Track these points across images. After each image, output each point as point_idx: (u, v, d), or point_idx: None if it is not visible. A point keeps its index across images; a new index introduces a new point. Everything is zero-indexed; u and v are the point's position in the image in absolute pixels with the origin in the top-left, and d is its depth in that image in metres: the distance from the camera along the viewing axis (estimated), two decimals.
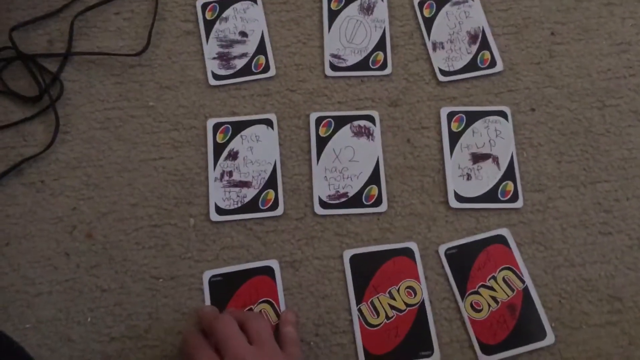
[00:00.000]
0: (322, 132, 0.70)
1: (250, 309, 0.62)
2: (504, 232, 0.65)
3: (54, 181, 0.68)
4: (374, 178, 0.68)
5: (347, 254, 0.65)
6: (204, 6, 0.77)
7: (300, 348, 0.59)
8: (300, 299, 0.63)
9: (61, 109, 0.71)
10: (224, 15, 0.76)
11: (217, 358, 0.53)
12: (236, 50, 0.75)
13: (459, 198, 0.67)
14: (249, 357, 0.53)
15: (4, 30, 0.74)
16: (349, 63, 0.74)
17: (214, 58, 0.74)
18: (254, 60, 0.74)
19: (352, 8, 0.76)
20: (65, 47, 0.74)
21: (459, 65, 0.73)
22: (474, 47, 0.74)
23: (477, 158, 0.69)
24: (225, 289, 0.64)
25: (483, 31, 0.75)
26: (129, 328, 0.63)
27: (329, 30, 0.76)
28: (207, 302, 0.63)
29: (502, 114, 0.71)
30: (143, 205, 0.67)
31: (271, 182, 0.68)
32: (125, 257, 0.65)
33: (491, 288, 0.63)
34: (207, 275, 0.64)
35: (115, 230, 0.66)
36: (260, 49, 0.75)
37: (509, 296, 0.63)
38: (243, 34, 0.76)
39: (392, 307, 0.63)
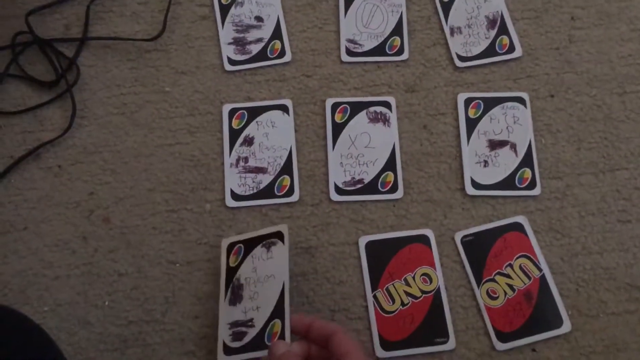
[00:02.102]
0: (338, 118, 0.70)
1: None
2: (521, 219, 0.65)
3: (71, 166, 0.69)
4: (390, 164, 0.68)
5: (363, 241, 0.65)
6: None
7: None
8: (315, 285, 0.64)
9: (78, 93, 0.72)
10: None
11: None
12: (252, 35, 0.74)
13: (476, 185, 0.67)
14: None
15: (21, 14, 0.74)
16: (365, 48, 0.73)
17: (230, 43, 0.74)
18: (270, 45, 0.74)
19: None
20: (82, 32, 0.74)
21: (476, 50, 0.72)
22: (492, 32, 0.73)
23: (495, 145, 0.68)
24: None
25: (502, 16, 0.74)
26: (146, 312, 0.63)
27: (345, 15, 0.75)
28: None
29: (521, 100, 0.70)
30: (159, 190, 0.68)
31: (287, 168, 0.68)
32: (142, 241, 0.66)
33: (507, 276, 0.63)
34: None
35: (132, 215, 0.67)
36: (276, 33, 0.74)
37: (525, 284, 0.62)
38: (259, 18, 0.75)
39: (408, 294, 0.63)
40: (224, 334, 0.60)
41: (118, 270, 0.65)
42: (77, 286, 0.64)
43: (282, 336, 0.57)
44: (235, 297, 0.61)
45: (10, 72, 0.73)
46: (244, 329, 0.59)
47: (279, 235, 0.61)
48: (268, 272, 0.60)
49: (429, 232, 0.65)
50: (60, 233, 0.66)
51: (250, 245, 0.63)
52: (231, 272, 0.62)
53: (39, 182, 0.68)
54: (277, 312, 0.58)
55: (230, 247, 0.63)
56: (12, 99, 0.72)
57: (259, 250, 0.62)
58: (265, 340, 0.58)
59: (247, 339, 0.59)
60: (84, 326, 0.63)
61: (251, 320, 0.59)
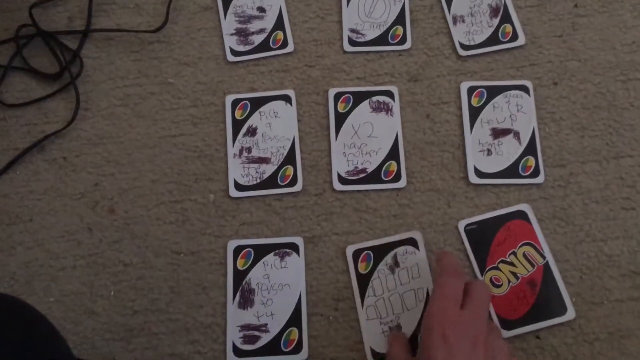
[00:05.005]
0: (341, 107, 0.70)
1: None
2: (524, 207, 0.65)
3: (76, 157, 0.69)
4: (393, 154, 0.68)
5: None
6: None
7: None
8: (319, 274, 0.64)
9: (81, 85, 0.72)
10: None
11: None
12: (254, 25, 0.74)
13: (479, 174, 0.67)
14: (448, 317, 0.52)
15: (24, 7, 0.74)
16: (368, 38, 0.73)
17: (232, 34, 0.74)
18: (272, 35, 0.74)
19: None
20: (85, 24, 0.74)
21: (479, 39, 0.72)
22: (495, 21, 0.73)
23: (498, 133, 0.68)
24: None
25: (505, 4, 0.74)
26: (151, 302, 0.64)
27: (347, 5, 0.75)
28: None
29: (524, 89, 0.70)
30: (163, 181, 0.68)
31: (290, 158, 0.68)
32: (147, 232, 0.66)
33: (511, 263, 0.63)
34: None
35: (137, 206, 0.67)
36: (279, 24, 0.74)
37: (529, 271, 0.62)
38: (261, 9, 0.75)
39: None
40: (233, 336, 0.61)
41: (123, 260, 0.65)
42: (82, 277, 0.65)
43: (299, 344, 0.60)
44: (246, 301, 0.62)
45: (14, 65, 0.73)
46: (257, 333, 0.61)
47: (293, 247, 0.64)
48: (282, 281, 0.63)
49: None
50: (66, 224, 0.67)
51: (260, 250, 0.64)
52: (239, 275, 0.63)
53: (44, 173, 0.69)
54: (294, 320, 0.61)
55: (238, 250, 0.64)
56: (16, 92, 0.72)
57: (271, 257, 0.64)
58: (282, 346, 0.60)
59: (260, 343, 0.61)
60: (90, 316, 0.63)
61: (265, 325, 0.61)
